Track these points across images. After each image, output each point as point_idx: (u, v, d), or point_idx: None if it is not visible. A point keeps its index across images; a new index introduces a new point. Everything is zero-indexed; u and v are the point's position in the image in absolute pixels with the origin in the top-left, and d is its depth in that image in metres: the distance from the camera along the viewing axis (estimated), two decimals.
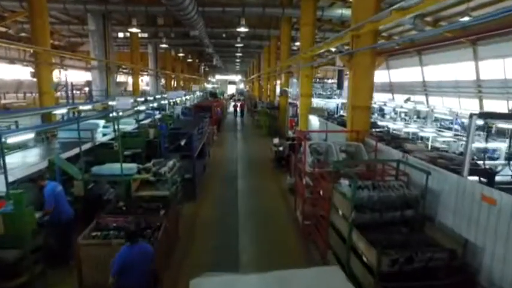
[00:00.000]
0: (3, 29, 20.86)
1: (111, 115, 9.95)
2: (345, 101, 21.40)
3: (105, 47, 16.83)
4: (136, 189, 7.09)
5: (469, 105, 17.82)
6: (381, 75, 24.90)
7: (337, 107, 21.71)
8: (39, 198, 5.87)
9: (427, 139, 12.86)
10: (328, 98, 27.65)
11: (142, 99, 18.37)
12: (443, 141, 12.19)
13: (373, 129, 9.80)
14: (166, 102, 18.96)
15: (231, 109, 36.19)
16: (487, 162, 6.57)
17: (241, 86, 70.04)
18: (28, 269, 4.73)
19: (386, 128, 12.90)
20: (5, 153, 5.09)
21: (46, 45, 12.68)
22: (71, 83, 15.89)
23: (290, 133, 16.37)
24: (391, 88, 26.41)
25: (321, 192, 6.63)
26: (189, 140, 9.51)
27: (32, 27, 12.74)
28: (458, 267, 4.17)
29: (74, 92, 15.48)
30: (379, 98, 23.33)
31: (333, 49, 19.88)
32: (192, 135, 9.65)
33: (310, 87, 14.45)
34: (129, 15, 18.75)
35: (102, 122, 9.25)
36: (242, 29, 17.63)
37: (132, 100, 13.72)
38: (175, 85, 38.43)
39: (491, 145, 9.86)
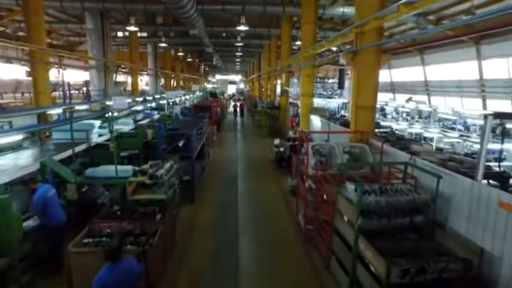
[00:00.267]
0: (0, 28, 20.65)
1: (106, 115, 9.66)
2: (346, 101, 21.20)
3: (103, 46, 16.54)
4: (132, 192, 6.78)
5: (471, 105, 17.58)
6: (382, 75, 24.64)
7: (338, 107, 21.53)
8: (31, 202, 5.57)
9: (431, 139, 12.60)
10: (329, 97, 27.47)
11: (141, 99, 18.12)
12: (447, 142, 11.93)
13: (377, 130, 9.54)
14: (165, 102, 18.71)
15: (231, 109, 35.91)
16: (493, 164, 6.31)
17: (242, 85, 69.83)
18: (16, 279, 4.46)
19: (390, 129, 12.64)
20: None
21: (42, 44, 12.41)
22: (68, 83, 15.63)
23: (291, 133, 16.12)
24: (392, 88, 26.18)
25: (324, 196, 6.37)
26: (187, 140, 9.26)
27: (28, 26, 12.48)
28: (474, 279, 3.92)
29: (73, 91, 15.21)
30: (380, 98, 23.07)
31: (334, 48, 19.67)
32: (190, 135, 9.40)
33: (311, 87, 14.19)
34: (127, 13, 18.49)
35: (98, 123, 8.97)
36: (242, 28, 17.30)
37: (129, 100, 13.42)
38: (175, 85, 38.14)
39: (496, 146, 9.58)
